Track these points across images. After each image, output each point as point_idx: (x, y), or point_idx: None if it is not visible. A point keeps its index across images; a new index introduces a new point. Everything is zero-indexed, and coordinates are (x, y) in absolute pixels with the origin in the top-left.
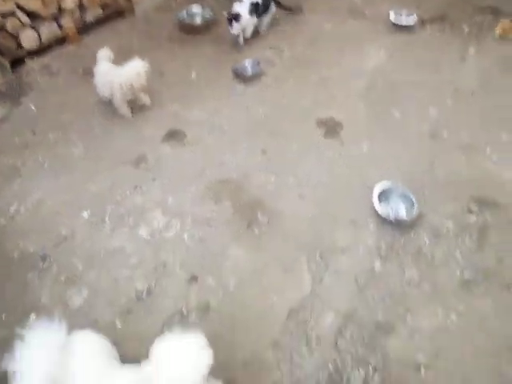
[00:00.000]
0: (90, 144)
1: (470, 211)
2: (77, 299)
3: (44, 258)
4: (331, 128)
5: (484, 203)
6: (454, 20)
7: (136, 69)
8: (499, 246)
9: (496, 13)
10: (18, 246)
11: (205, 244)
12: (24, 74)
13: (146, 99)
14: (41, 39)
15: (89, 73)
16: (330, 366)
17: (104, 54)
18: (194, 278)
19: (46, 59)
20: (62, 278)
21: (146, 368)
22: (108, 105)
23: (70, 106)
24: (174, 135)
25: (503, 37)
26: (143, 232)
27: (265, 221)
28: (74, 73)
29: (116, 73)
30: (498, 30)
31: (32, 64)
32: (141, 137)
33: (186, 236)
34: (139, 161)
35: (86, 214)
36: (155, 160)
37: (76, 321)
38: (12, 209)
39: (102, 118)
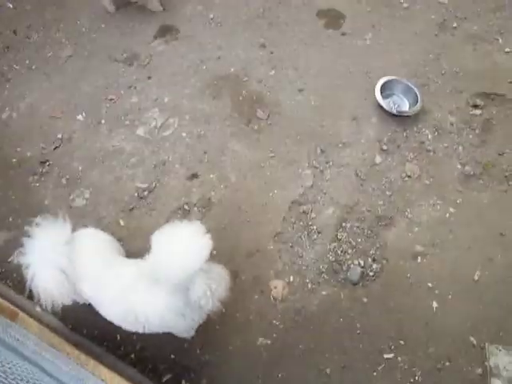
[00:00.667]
0: (78, 42)
1: (475, 105)
2: (79, 200)
3: (43, 162)
4: (333, 18)
5: (490, 97)
6: None
7: None
8: (502, 140)
9: None
10: (15, 152)
11: (204, 141)
12: None
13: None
14: None
15: None
16: (330, 256)
17: None
18: (194, 175)
19: None
20: (63, 181)
21: (149, 260)
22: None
23: (52, 2)
24: (167, 30)
25: None
26: (141, 131)
27: (264, 116)
28: None
29: None
30: None
31: None
32: (132, 33)
33: (184, 134)
34: (132, 58)
35: (81, 116)
36: (149, 57)
37: (80, 220)
38: (4, 115)
39: (88, 13)
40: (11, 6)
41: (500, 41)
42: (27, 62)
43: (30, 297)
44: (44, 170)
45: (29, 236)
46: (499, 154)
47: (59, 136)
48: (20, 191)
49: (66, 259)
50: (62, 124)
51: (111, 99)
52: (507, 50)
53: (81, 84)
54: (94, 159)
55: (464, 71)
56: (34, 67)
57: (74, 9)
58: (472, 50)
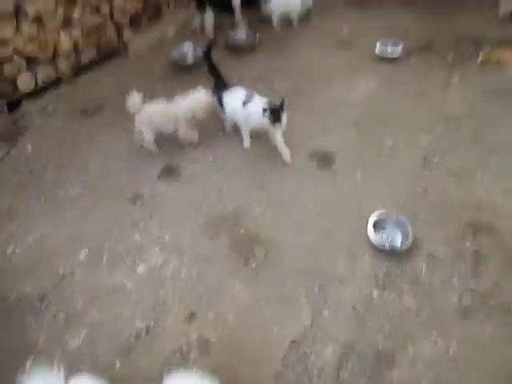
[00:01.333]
0: (87, 182)
1: (465, 236)
2: (76, 339)
3: (42, 299)
4: (324, 159)
5: (478, 228)
6: (438, 49)
7: (200, 99)
8: (494, 269)
9: (477, 42)
10: (15, 288)
11: (203, 280)
12: (20, 115)
13: (194, 136)
14: (36, 81)
15: (85, 113)
16: None
17: (137, 98)
18: (193, 315)
19: (42, 100)
20: (61, 319)
21: None
22: (103, 143)
23: (67, 145)
24: (170, 171)
25: (485, 63)
26: (142, 269)
27: (262, 255)
28: (70, 113)
29: (180, 104)
30: (479, 59)
31: (28, 106)
32: (137, 173)
33: (184, 272)
34: (136, 198)
35: (84, 253)
36: (152, 197)
37: (75, 361)
38: (9, 250)
39: (99, 155)
40: (30, 148)
41: (478, 174)
42: (39, 199)
43: None
44: (42, 307)
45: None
46: (495, 284)
47: (61, 272)
48: (16, 328)
49: None
50: (64, 260)
51: (115, 237)
52: (486, 182)
53: (86, 222)
54: (94, 296)
55: (451, 203)
56: (44, 204)
57: (87, 151)
58: (456, 183)
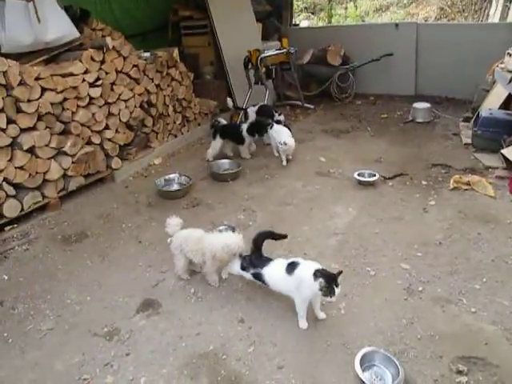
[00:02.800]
0: (62, 315)
1: (459, 371)
2: None
3: None
4: None
5: (471, 361)
6: (412, 175)
7: (230, 240)
8: None
9: (447, 168)
10: None
11: None
12: (1, 242)
13: (214, 279)
14: (23, 207)
15: (67, 240)
16: None
17: (175, 221)
18: None
19: (25, 226)
20: None
21: None
22: (81, 274)
23: (44, 275)
24: (149, 304)
25: (457, 189)
26: None
27: None
28: (51, 240)
29: (210, 241)
30: (451, 184)
31: (11, 232)
32: (115, 306)
33: None
34: (112, 333)
35: None
36: (129, 332)
37: None
38: None
39: (76, 286)
40: (6, 277)
41: (464, 301)
42: (5, 334)
43: None
44: None
45: None
46: None
47: None
48: None
49: None
50: None
51: (85, 379)
52: (473, 310)
53: (55, 361)
54: None
55: (439, 335)
56: (10, 341)
57: (64, 280)
58: (441, 312)
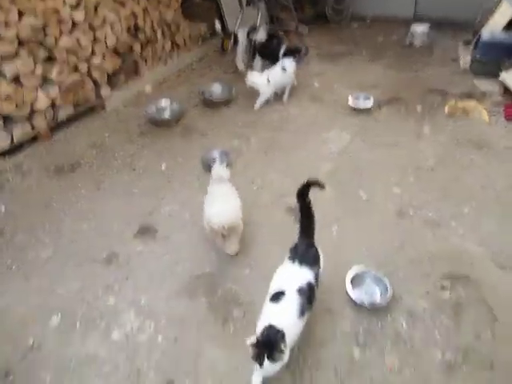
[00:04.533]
0: (60, 243)
1: (443, 288)
2: None
3: (7, 374)
4: None
5: (455, 278)
6: (407, 101)
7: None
8: (475, 322)
9: (443, 94)
10: None
11: (180, 345)
12: None
13: (233, 247)
14: (13, 139)
15: (60, 171)
16: None
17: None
18: (170, 383)
19: (17, 158)
20: None
21: None
22: (77, 202)
23: (41, 205)
24: (145, 230)
25: (452, 114)
26: (116, 336)
27: (240, 315)
28: (45, 171)
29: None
30: (446, 110)
31: (3, 164)
32: (111, 233)
33: (159, 338)
34: (110, 258)
35: (55, 320)
36: (127, 257)
37: None
38: None
39: (72, 215)
40: (3, 208)
41: (453, 224)
42: (8, 262)
43: None
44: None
45: None
46: (476, 338)
47: (30, 342)
48: None
49: None
50: (33, 329)
51: (88, 301)
52: (461, 232)
53: (58, 286)
54: (64, 368)
55: (428, 256)
56: (13, 267)
57: (60, 209)
58: (431, 235)
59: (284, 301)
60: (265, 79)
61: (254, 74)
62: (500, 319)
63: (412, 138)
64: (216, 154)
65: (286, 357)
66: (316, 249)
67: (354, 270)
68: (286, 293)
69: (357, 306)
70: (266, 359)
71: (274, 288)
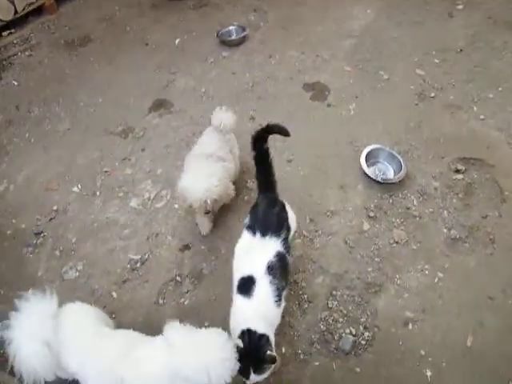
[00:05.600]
0: (76, 116)
1: (457, 170)
2: (72, 272)
3: (38, 234)
4: (318, 90)
5: (470, 162)
6: None
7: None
8: (484, 203)
9: None
10: (10, 224)
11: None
12: (2, 47)
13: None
14: (16, 10)
15: (71, 45)
16: (322, 325)
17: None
18: (186, 246)
19: (24, 31)
20: (57, 252)
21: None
22: (90, 76)
23: (54, 79)
24: (161, 104)
25: None
26: (134, 203)
27: (254, 187)
28: (54, 45)
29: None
30: None
31: (10, 37)
32: (128, 107)
33: (176, 205)
34: (127, 131)
35: (76, 188)
36: (143, 130)
37: (72, 293)
38: (1, 187)
39: (86, 88)
40: (16, 83)
41: (475, 109)
42: (27, 135)
43: (12, 373)
44: (38, 242)
45: (16, 310)
46: (483, 217)
47: (54, 208)
48: (13, 263)
49: (51, 334)
50: (57, 196)
51: (106, 171)
52: (482, 117)
53: (77, 157)
54: (88, 231)
55: (444, 138)
56: (32, 140)
57: (74, 83)
58: (450, 118)
59: (255, 292)
60: None
61: None
62: (509, 201)
63: (443, 16)
64: (232, 28)
65: (277, 362)
66: (281, 206)
67: (370, 148)
68: (254, 279)
69: (370, 182)
70: (252, 373)
71: (239, 272)
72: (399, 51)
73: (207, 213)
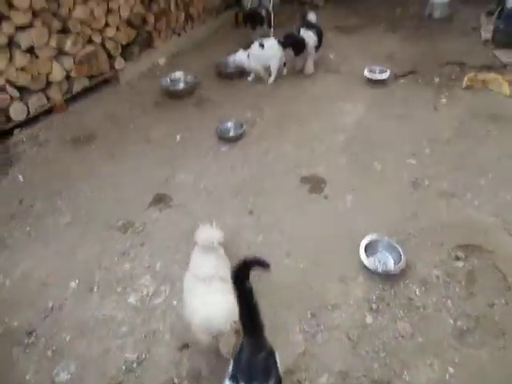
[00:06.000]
0: (77, 211)
1: (457, 258)
2: (64, 374)
3: (30, 333)
4: (315, 183)
5: (469, 248)
6: (424, 73)
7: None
8: (489, 290)
9: (462, 65)
10: (3, 322)
11: None
12: (12, 145)
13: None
14: (29, 111)
15: (76, 142)
16: None
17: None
18: (184, 345)
19: (33, 129)
20: (49, 352)
21: None
22: (94, 172)
23: (58, 174)
24: (161, 198)
25: (470, 87)
26: (132, 299)
27: (254, 281)
28: (61, 141)
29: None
30: (465, 83)
31: (20, 135)
32: (129, 201)
33: (175, 302)
34: (127, 225)
35: (74, 284)
36: (143, 224)
37: None
38: None
39: (89, 181)
40: (21, 178)
41: (468, 195)
42: (28, 229)
43: None
44: (30, 341)
45: None
46: (489, 306)
47: (50, 304)
48: (1, 364)
49: None
50: (53, 292)
51: (105, 266)
52: (476, 203)
53: (76, 251)
54: (84, 329)
55: (441, 225)
56: (33, 235)
57: (77, 178)
58: (445, 206)
59: None
60: (245, 55)
61: (239, 51)
62: None
63: (428, 109)
64: (230, 124)
65: None
66: (269, 352)
67: (368, 239)
68: None
69: (370, 273)
70: None
71: None
72: (390, 143)
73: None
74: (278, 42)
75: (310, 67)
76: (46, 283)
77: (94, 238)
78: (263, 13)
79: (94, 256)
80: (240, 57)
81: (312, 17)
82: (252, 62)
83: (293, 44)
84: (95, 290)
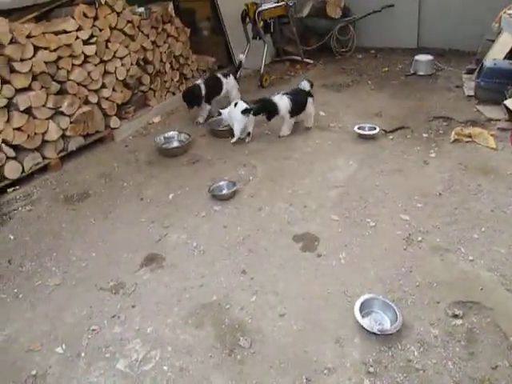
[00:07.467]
0: (68, 271)
1: (455, 315)
2: None
3: None
4: (308, 241)
5: (467, 305)
6: (413, 128)
7: None
8: (490, 350)
9: (448, 120)
10: None
11: (186, 375)
12: (5, 203)
13: None
14: (24, 169)
15: (70, 200)
16: None
17: None
18: None
19: (27, 187)
20: None
21: None
22: (85, 231)
23: (49, 233)
24: (153, 258)
25: (458, 140)
26: (121, 365)
27: (247, 344)
28: (54, 200)
29: None
30: (452, 137)
31: (14, 193)
32: (119, 261)
33: (165, 367)
34: (118, 287)
35: (60, 349)
36: (134, 285)
37: None
38: None
39: (81, 243)
40: (12, 237)
41: (462, 250)
42: (15, 290)
43: None
44: None
45: None
46: (492, 368)
47: (33, 373)
48: None
49: None
50: (38, 358)
51: (93, 330)
52: (471, 258)
53: (64, 314)
54: None
55: (437, 282)
56: (20, 296)
57: (69, 238)
58: (440, 261)
59: None
60: (227, 113)
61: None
62: None
63: (419, 163)
64: (223, 183)
65: None
66: None
67: (363, 298)
68: None
69: (366, 334)
70: None
71: None
72: (383, 198)
73: None
74: (247, 105)
75: (284, 130)
76: (30, 349)
77: (84, 300)
78: (202, 90)
79: (83, 319)
80: (225, 114)
81: (305, 85)
82: (228, 121)
83: (262, 109)
84: (82, 355)
